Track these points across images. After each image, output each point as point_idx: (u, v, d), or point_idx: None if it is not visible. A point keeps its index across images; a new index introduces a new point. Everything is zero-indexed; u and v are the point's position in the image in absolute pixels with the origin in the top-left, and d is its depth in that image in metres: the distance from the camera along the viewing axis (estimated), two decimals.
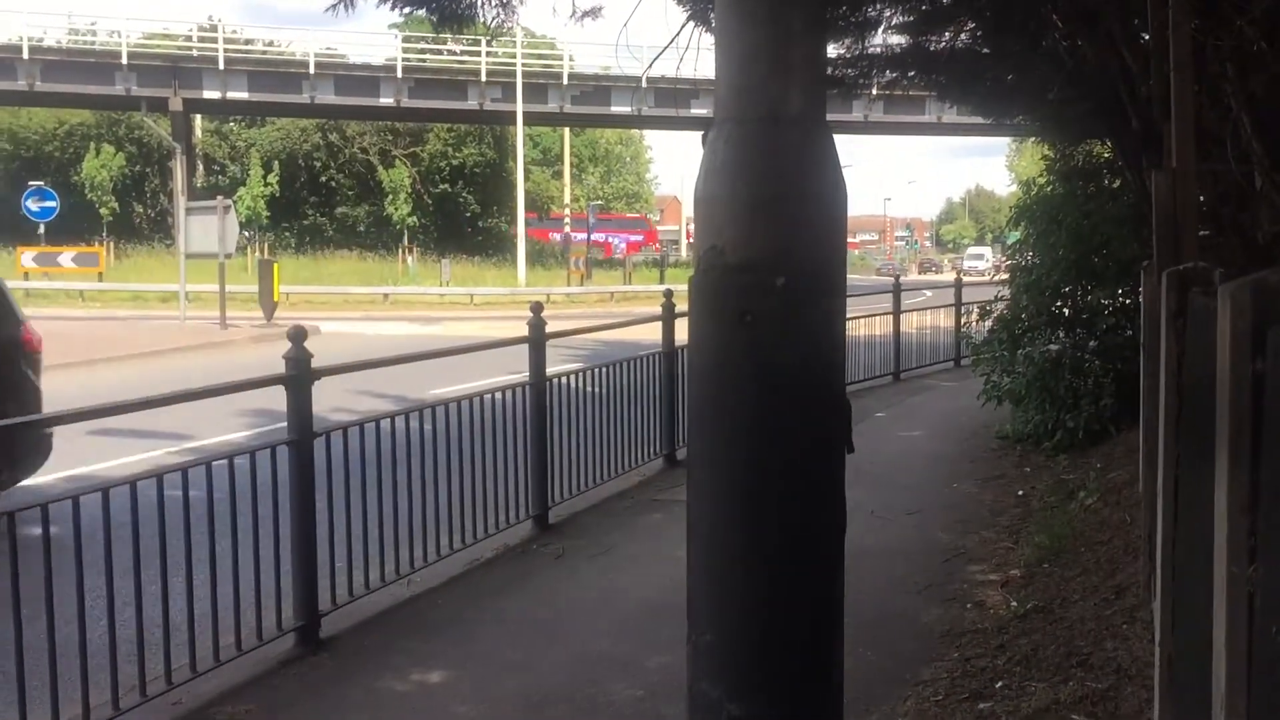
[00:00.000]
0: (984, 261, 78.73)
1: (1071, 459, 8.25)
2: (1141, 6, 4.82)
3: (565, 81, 41.12)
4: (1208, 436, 1.78)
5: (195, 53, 39.10)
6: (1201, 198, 4.47)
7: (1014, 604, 5.26)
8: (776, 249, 1.81)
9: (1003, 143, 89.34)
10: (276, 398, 5.10)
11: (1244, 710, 1.42)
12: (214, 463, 4.64)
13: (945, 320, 16.09)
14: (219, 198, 23.67)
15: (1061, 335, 9.25)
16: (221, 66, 37.91)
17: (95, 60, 37.88)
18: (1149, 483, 4.45)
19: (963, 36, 8.72)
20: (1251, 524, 1.40)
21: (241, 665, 4.67)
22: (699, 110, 36.15)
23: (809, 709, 1.91)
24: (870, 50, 8.90)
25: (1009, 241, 13.00)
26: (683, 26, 6.85)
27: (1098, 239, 9.00)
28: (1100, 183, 10.78)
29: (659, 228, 72.08)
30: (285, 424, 5.04)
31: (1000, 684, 4.29)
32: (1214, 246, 4.55)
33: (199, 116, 46.15)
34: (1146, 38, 5.78)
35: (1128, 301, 8.91)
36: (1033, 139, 14.20)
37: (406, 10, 7.02)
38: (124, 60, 37.04)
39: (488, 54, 40.27)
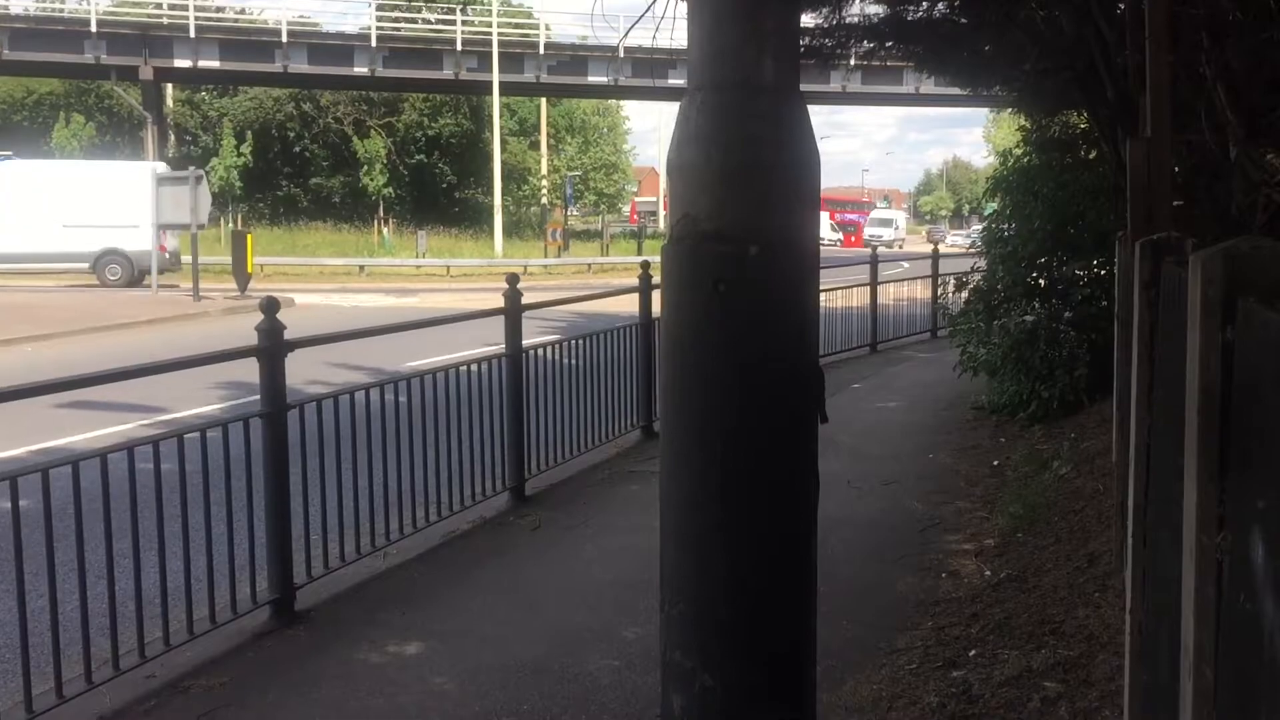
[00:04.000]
0: (891, 230, 69.05)
1: (1046, 429, 8.30)
2: None
3: (542, 51, 40.75)
4: (1179, 405, 1.78)
5: (165, 20, 38.47)
6: (1176, 168, 4.48)
7: (988, 573, 5.30)
8: (750, 217, 1.80)
9: (981, 114, 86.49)
10: (250, 370, 5.05)
11: (1211, 678, 1.43)
12: (186, 435, 4.61)
13: (922, 292, 16.13)
14: (191, 168, 23.39)
15: (1037, 306, 9.28)
16: (192, 35, 37.33)
17: (64, 28, 37.23)
18: (1122, 452, 4.48)
19: (940, 6, 8.70)
20: (1220, 492, 1.40)
21: (216, 638, 4.65)
22: (676, 81, 35.93)
23: (782, 678, 1.91)
24: (847, 20, 8.86)
25: (986, 213, 13.03)
26: None
27: (1073, 210, 9.03)
28: (1076, 154, 10.80)
29: (637, 199, 71.81)
30: (259, 396, 5.00)
31: (974, 652, 4.33)
32: (1187, 217, 4.56)
33: (170, 85, 45.55)
34: (1122, 8, 5.77)
35: (1102, 272, 8.94)
36: (1010, 110, 14.22)
37: None
38: (93, 28, 36.44)
39: (463, 23, 39.88)
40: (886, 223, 71.41)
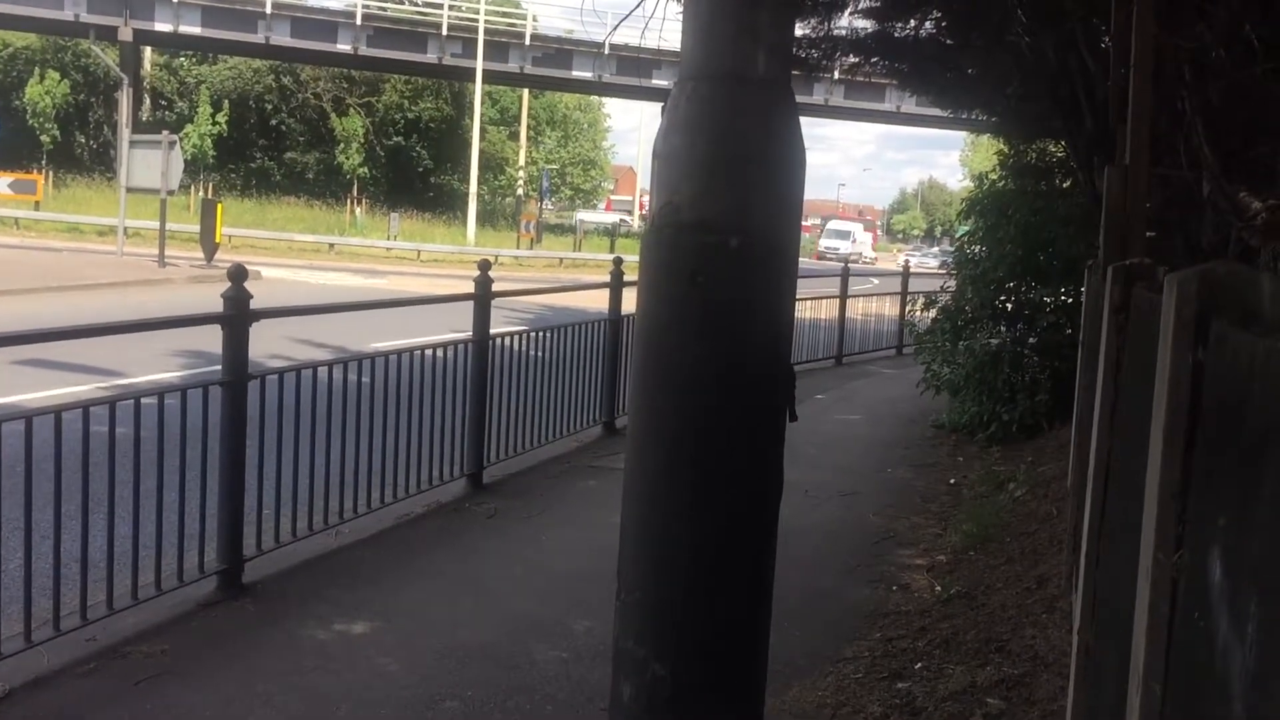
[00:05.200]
0: (848, 242, 64.13)
1: (1004, 451, 8.38)
2: (1105, 7, 4.86)
3: (527, 42, 40.64)
4: (1141, 428, 1.80)
5: None
6: (1148, 203, 4.53)
7: (938, 588, 5.34)
8: (732, 209, 1.80)
9: (958, 138, 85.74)
10: (211, 341, 4.99)
11: (1159, 692, 1.44)
12: (143, 399, 4.54)
13: (890, 308, 16.24)
14: (164, 133, 23.11)
15: (1003, 330, 9.38)
16: None
17: None
18: (1078, 477, 4.53)
19: (927, 26, 8.76)
20: (1180, 510, 1.42)
21: (160, 605, 4.59)
22: (660, 81, 36.00)
23: (734, 672, 1.91)
24: (835, 32, 8.91)
25: (958, 234, 13.15)
26: None
27: (1044, 237, 9.13)
28: (1051, 181, 10.92)
29: (613, 197, 71.80)
30: (219, 367, 4.94)
31: (920, 665, 4.36)
32: (1160, 248, 4.62)
33: (148, 49, 44.98)
34: (1107, 42, 5.84)
35: (1069, 300, 9.05)
36: (988, 134, 14.34)
37: None
38: None
39: (450, 7, 39.69)
40: (843, 235, 67.25)
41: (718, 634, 1.88)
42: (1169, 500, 1.43)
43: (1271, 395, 1.05)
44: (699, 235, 1.81)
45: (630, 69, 37.95)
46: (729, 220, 1.79)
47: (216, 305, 4.91)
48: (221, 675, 4.13)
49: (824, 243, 64.78)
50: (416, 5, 41.69)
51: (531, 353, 7.77)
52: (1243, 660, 1.05)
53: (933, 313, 10.62)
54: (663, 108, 1.93)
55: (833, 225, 72.19)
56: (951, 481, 7.74)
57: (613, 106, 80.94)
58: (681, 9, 1.95)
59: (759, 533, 1.92)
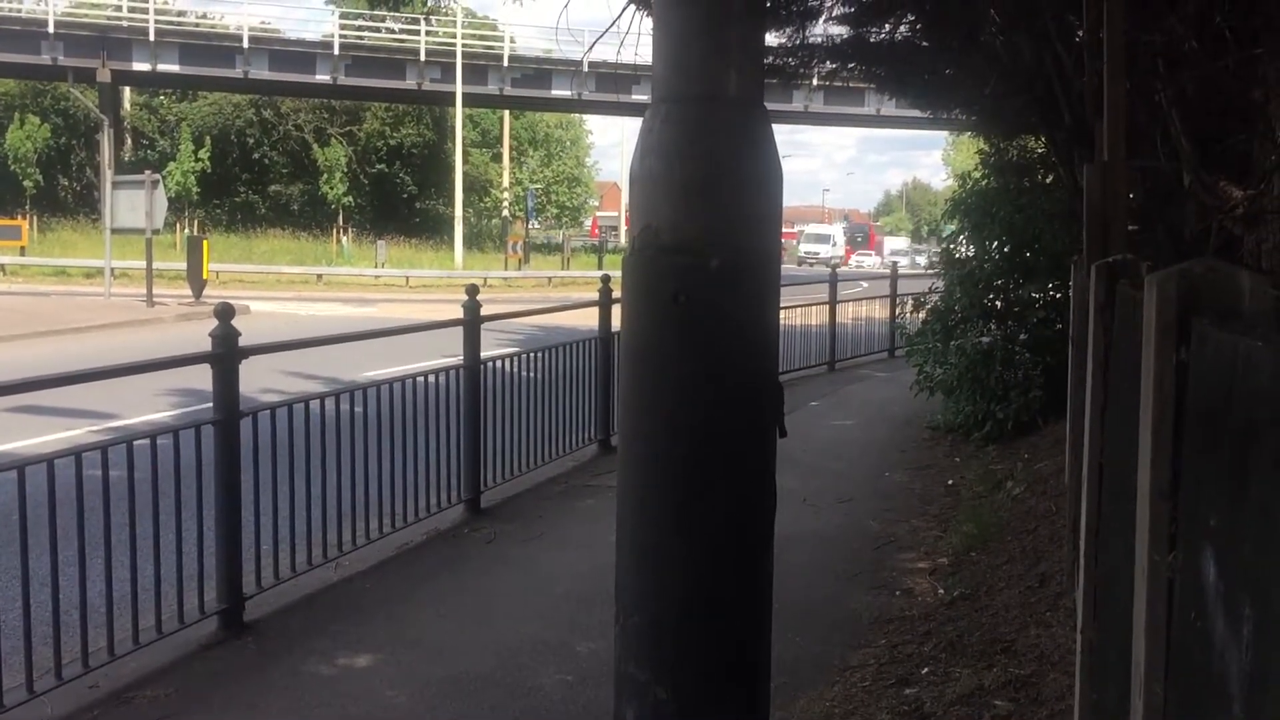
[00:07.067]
0: (828, 246, 64.06)
1: (1000, 449, 8.38)
2: (1078, 1, 4.88)
3: (506, 63, 40.73)
4: (1132, 425, 1.80)
5: (125, 23, 38.02)
6: (1131, 194, 4.54)
7: (941, 591, 5.33)
8: (711, 230, 1.80)
9: (940, 137, 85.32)
10: (203, 378, 4.98)
11: (1161, 694, 1.44)
12: (136, 441, 4.53)
13: (880, 311, 16.26)
14: (147, 172, 23.09)
15: (993, 328, 9.38)
16: (152, 38, 36.88)
17: (21, 28, 36.64)
18: (1074, 473, 4.53)
19: (902, 29, 8.79)
20: (1172, 511, 1.42)
21: (162, 648, 4.57)
22: (640, 96, 36.00)
23: (737, 692, 1.90)
24: (811, 40, 8.93)
25: (944, 234, 13.16)
26: (624, 9, 6.81)
27: (1030, 233, 9.14)
28: (1033, 178, 10.93)
29: (599, 214, 71.93)
30: (211, 404, 4.93)
31: (926, 670, 4.35)
32: (1142, 241, 4.63)
33: (128, 89, 45.00)
34: (1080, 35, 5.86)
35: (1058, 295, 9.06)
36: (969, 133, 14.38)
37: None
38: (51, 29, 35.90)
39: (427, 33, 39.77)
40: (823, 239, 67.08)
41: (718, 653, 1.87)
42: (1159, 501, 1.43)
43: (1253, 395, 1.05)
44: (679, 257, 1.81)
45: (609, 85, 38.00)
46: (708, 241, 1.80)
47: (206, 343, 4.91)
48: (226, 717, 4.11)
49: (804, 248, 65.03)
50: (393, 33, 41.77)
51: (524, 374, 7.77)
52: (1240, 662, 1.05)
53: (922, 314, 10.62)
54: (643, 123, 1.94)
55: (811, 230, 72.09)
56: (949, 483, 7.74)
57: (594, 123, 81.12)
58: (653, 26, 1.96)
59: (754, 549, 1.92)
